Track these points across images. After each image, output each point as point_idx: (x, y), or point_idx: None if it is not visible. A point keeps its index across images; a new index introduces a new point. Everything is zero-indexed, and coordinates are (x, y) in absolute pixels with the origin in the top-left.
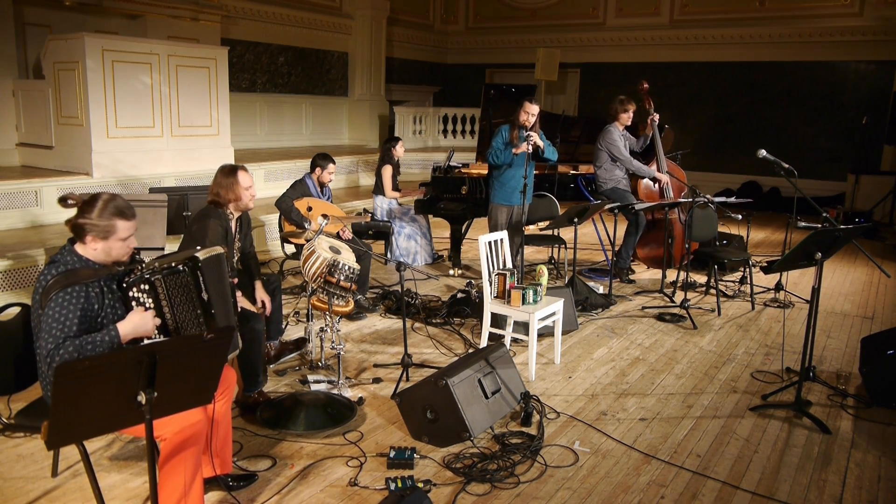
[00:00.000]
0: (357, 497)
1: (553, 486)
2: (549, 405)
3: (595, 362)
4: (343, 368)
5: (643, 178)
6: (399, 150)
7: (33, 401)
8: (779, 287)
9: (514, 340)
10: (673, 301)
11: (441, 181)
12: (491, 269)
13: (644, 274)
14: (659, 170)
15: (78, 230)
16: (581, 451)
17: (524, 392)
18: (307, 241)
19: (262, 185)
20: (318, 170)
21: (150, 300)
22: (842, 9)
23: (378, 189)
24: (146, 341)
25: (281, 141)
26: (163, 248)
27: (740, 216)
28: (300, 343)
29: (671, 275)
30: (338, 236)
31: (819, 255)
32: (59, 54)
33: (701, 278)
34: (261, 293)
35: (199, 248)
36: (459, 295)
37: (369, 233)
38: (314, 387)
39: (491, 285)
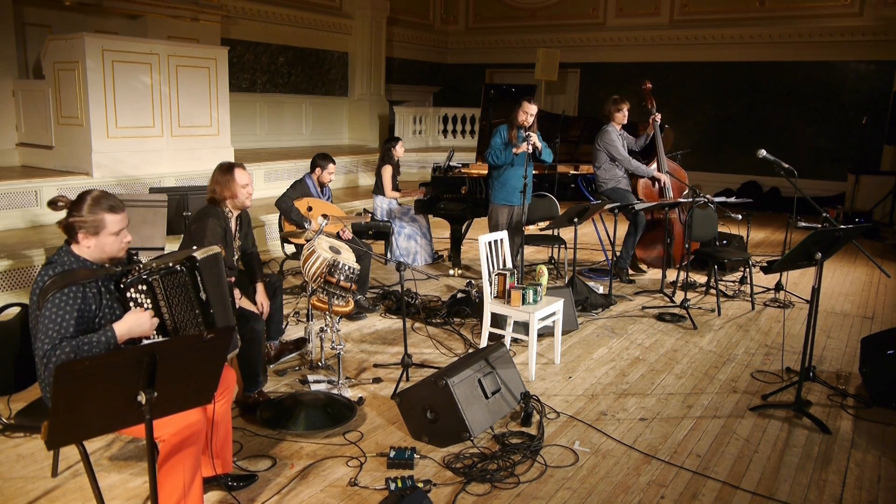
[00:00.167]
0: (357, 497)
1: (553, 486)
2: (549, 405)
3: (595, 362)
4: (343, 368)
5: (643, 177)
6: (399, 150)
7: (33, 401)
8: (779, 287)
9: (514, 340)
10: (673, 301)
11: (441, 181)
12: (491, 269)
13: (644, 274)
14: (659, 169)
15: (69, 229)
16: (581, 451)
17: (524, 392)
18: (307, 241)
19: (263, 185)
20: (318, 170)
21: (149, 301)
22: (842, 9)
23: (378, 189)
24: (145, 342)
25: (281, 141)
26: (163, 248)
27: (740, 216)
28: (300, 343)
29: (671, 275)
30: (338, 236)
31: (819, 255)
32: (59, 54)
33: (701, 278)
34: (261, 296)
35: (195, 247)
36: (459, 295)
37: (369, 233)
38: (314, 387)
39: (491, 285)
